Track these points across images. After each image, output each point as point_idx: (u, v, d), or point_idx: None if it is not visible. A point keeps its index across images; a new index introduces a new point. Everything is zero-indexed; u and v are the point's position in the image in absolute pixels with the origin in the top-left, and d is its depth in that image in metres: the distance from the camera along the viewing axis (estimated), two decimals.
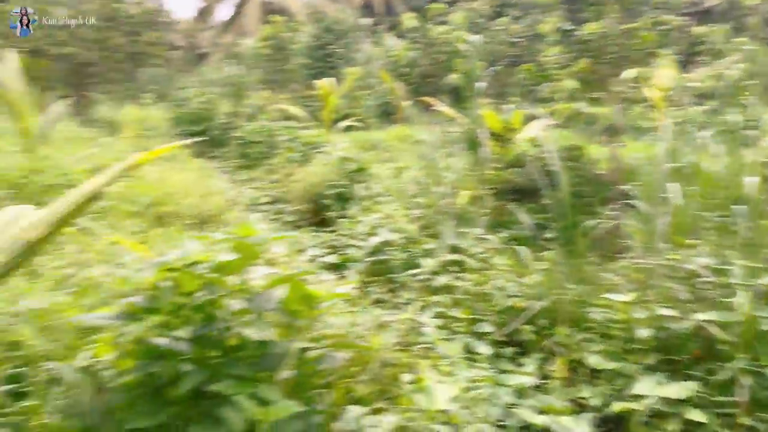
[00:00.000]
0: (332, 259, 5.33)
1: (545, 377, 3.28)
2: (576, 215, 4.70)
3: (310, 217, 7.28)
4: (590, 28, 13.00)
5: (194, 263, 2.03)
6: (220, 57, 20.24)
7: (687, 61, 16.99)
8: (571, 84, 13.55)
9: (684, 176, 4.45)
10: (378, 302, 4.28)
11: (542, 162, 5.35)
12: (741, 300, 2.71)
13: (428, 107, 10.50)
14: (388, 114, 15.58)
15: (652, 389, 2.71)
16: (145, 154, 1.74)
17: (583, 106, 11.78)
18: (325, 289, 2.28)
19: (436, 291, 4.31)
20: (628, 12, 13.70)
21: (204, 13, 27.58)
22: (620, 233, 4.54)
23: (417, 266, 4.68)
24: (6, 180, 5.56)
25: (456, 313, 3.95)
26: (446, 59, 16.47)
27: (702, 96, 13.21)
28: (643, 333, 3.02)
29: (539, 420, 2.78)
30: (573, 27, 14.33)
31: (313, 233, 6.34)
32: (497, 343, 3.69)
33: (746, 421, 2.50)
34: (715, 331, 2.76)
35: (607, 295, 3.36)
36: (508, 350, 3.62)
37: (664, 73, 10.86)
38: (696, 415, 2.54)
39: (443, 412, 2.48)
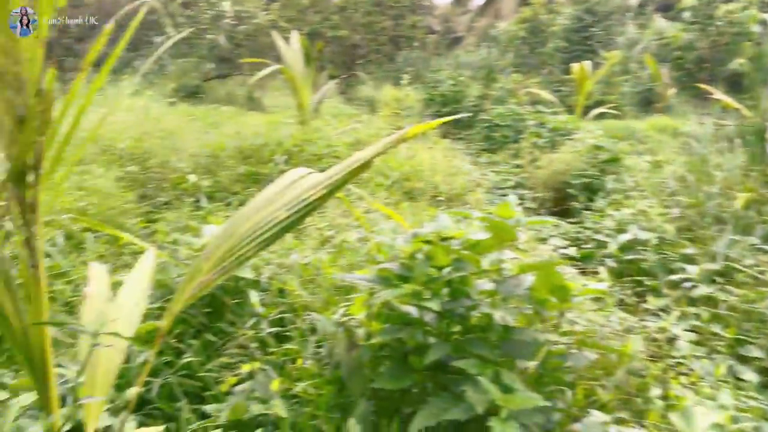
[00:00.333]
0: (572, 252, 5.07)
1: None
2: None
3: (552, 206, 7.03)
4: None
5: (448, 238, 2.05)
6: (474, 41, 20.50)
7: None
8: None
9: None
10: (622, 305, 3.96)
11: None
12: None
13: (700, 96, 9.33)
14: (648, 102, 14.26)
15: None
16: (412, 128, 1.78)
17: None
18: (575, 283, 2.14)
19: (694, 302, 3.83)
20: None
21: None
22: None
23: (672, 271, 4.21)
24: (283, 148, 6.34)
25: (717, 329, 3.47)
26: (729, 42, 14.41)
27: None
28: None
29: None
30: None
31: (555, 223, 6.10)
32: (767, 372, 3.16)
33: None
34: None
35: None
36: None
37: None
38: None
39: None
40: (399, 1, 14.56)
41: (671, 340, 3.18)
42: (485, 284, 2.11)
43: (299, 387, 2.31)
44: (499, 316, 2.08)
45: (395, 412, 2.15)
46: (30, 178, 1.47)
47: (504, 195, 7.24)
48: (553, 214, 6.70)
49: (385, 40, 15.08)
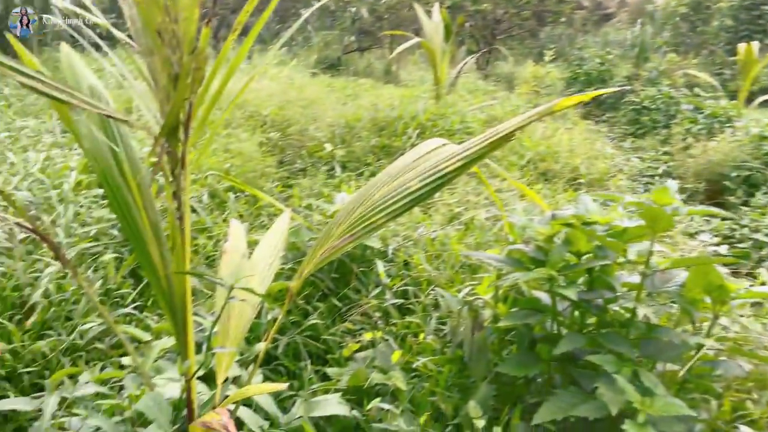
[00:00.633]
0: (722, 250, 4.59)
1: None
2: None
3: (704, 199, 6.41)
4: None
5: (591, 223, 1.90)
6: (627, 17, 19.09)
7: None
8: None
9: None
10: None
11: None
12: None
13: None
14: None
15: None
16: (561, 101, 1.64)
17: None
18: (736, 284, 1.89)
19: None
20: None
21: None
22: None
23: None
24: (417, 121, 6.30)
25: None
26: None
27: None
28: None
29: None
30: None
31: (719, 214, 5.55)
32: None
33: None
34: None
35: None
36: None
37: None
38: None
39: None
40: None
41: None
42: (629, 277, 1.94)
43: (420, 361, 2.28)
44: (642, 312, 1.90)
45: (517, 400, 2.05)
46: (181, 134, 1.53)
47: (650, 183, 6.73)
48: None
49: (529, 15, 14.46)
